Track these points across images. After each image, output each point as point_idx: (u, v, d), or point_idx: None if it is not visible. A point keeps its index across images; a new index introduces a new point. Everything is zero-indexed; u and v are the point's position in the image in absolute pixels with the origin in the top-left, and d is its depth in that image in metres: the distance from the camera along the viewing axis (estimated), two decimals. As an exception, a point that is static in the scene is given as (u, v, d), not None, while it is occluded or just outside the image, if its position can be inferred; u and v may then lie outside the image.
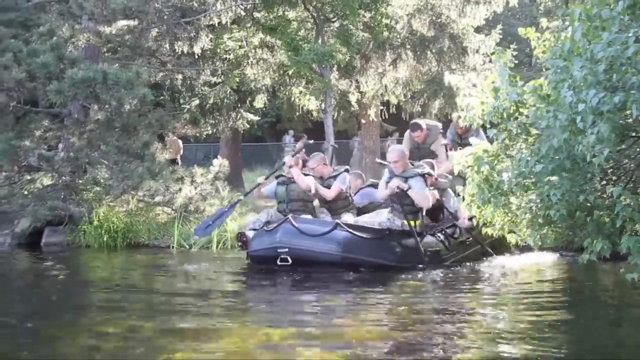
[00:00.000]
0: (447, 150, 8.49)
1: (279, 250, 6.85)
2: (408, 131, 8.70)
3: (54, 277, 7.86)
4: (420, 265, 6.96)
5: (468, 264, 7.32)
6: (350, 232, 6.93)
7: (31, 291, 6.85)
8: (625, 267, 4.57)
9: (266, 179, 8.35)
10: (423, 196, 7.08)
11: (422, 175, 7.22)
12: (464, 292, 6.21)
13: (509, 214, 5.64)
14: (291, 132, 20.78)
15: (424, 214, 7.30)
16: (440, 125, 8.87)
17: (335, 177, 7.93)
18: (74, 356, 4.22)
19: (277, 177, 8.09)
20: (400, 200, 7.09)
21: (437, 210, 7.75)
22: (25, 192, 10.24)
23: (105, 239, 9.72)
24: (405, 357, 4.03)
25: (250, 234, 7.52)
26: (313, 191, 7.73)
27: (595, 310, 5.37)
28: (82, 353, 4.27)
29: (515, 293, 6.09)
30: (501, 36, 14.91)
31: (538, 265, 7.37)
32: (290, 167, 7.83)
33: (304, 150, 8.36)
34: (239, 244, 7.84)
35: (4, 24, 9.57)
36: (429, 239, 7.37)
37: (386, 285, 6.31)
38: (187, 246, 9.43)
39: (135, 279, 7.31)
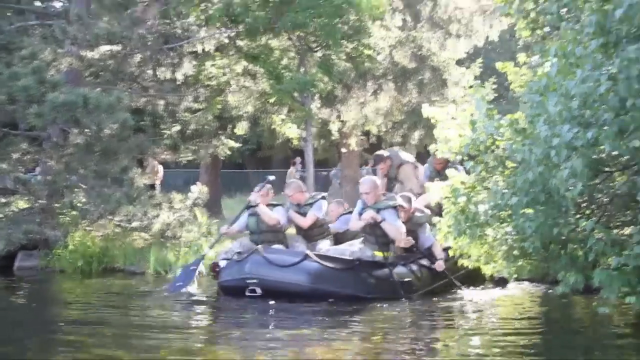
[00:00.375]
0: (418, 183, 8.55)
1: (247, 281, 6.80)
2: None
3: (25, 302, 7.75)
4: (392, 297, 6.89)
5: (440, 296, 7.25)
6: (320, 263, 6.87)
7: (1, 315, 6.73)
8: (597, 301, 4.61)
9: (213, 244, 8.29)
10: (395, 228, 7.12)
11: (394, 208, 7.25)
12: (435, 323, 6.20)
13: (485, 246, 5.70)
14: (298, 159, 20.07)
15: (395, 245, 7.31)
16: (408, 156, 8.91)
17: (311, 204, 7.90)
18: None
19: (247, 208, 8.01)
20: (373, 231, 7.11)
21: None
22: (0, 215, 10.10)
23: (80, 264, 9.58)
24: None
25: (223, 263, 7.45)
26: (282, 223, 7.71)
27: (567, 343, 5.39)
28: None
29: (487, 324, 6.09)
30: (481, 69, 15.18)
31: (512, 297, 7.38)
32: (255, 206, 7.77)
33: (270, 187, 8.15)
34: (212, 273, 7.76)
35: (-15, 47, 9.54)
36: (400, 269, 7.28)
37: (355, 317, 6.24)
38: (163, 272, 9.34)
39: (109, 305, 7.21)
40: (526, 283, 7.77)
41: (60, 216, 10.28)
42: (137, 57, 12.11)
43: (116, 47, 10.81)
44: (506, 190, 4.80)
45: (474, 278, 7.56)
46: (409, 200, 7.64)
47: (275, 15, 11.98)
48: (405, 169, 8.69)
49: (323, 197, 8.10)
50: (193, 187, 11.39)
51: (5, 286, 8.62)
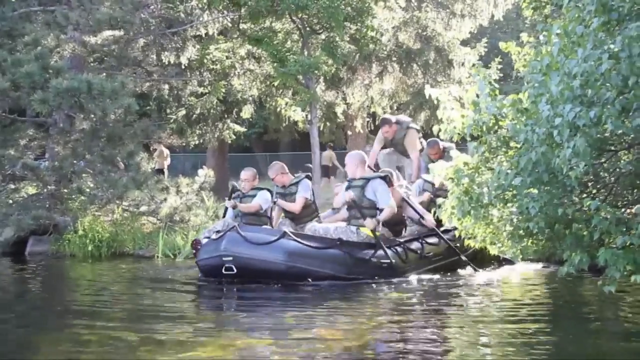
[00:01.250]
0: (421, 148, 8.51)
1: (223, 259, 6.60)
2: (380, 130, 8.69)
3: (37, 286, 7.84)
4: (375, 278, 6.74)
5: (429, 277, 7.09)
6: (298, 241, 6.66)
7: (13, 300, 6.81)
8: (602, 280, 4.61)
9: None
10: (382, 197, 6.90)
11: (383, 177, 7.04)
12: (425, 306, 6.07)
13: (490, 226, 5.69)
14: (330, 144, 19.58)
15: (380, 225, 7.04)
16: (411, 121, 8.89)
17: (296, 184, 7.74)
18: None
19: (233, 192, 7.90)
20: (356, 205, 6.91)
21: (399, 225, 7.62)
22: (10, 201, 10.20)
23: (89, 249, 9.69)
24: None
25: (204, 241, 7.27)
26: (264, 207, 7.57)
27: (573, 322, 5.41)
28: (62, 361, 4.28)
29: (490, 306, 6.08)
30: (487, 49, 15.09)
31: (517, 278, 7.38)
32: (234, 207, 7.68)
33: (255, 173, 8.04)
34: (194, 251, 7.54)
35: (-12, 34, 9.56)
36: (385, 251, 6.99)
37: (338, 299, 6.19)
38: (172, 255, 9.41)
39: (118, 288, 7.29)
40: (532, 263, 7.77)
41: (69, 201, 10.36)
42: (141, 42, 12.13)
43: (119, 32, 10.82)
44: (510, 171, 4.78)
45: (480, 259, 7.56)
46: (391, 176, 7.38)
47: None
48: (411, 133, 8.61)
49: (307, 177, 7.92)
50: (200, 171, 11.44)
51: (18, 271, 8.72)
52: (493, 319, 5.46)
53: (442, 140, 7.33)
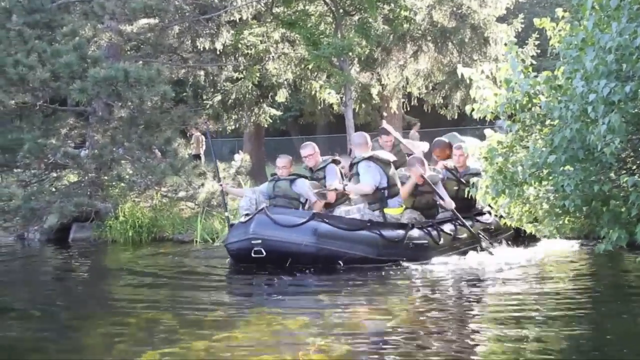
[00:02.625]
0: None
1: (252, 242, 6.53)
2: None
3: (81, 271, 8.06)
4: (404, 259, 6.69)
5: (464, 257, 7.01)
6: (328, 223, 6.61)
7: (59, 284, 7.03)
8: (641, 256, 4.56)
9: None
10: (362, 186, 6.90)
11: (368, 158, 6.95)
12: (464, 285, 6.05)
13: (527, 205, 5.65)
14: (417, 125, 19.33)
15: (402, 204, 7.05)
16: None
17: (322, 168, 7.67)
18: (96, 344, 4.37)
19: (271, 175, 7.93)
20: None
21: (431, 209, 7.55)
22: (53, 189, 10.47)
23: (130, 234, 9.91)
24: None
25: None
26: (313, 200, 7.40)
27: (613, 299, 5.36)
28: (105, 341, 4.42)
29: (528, 284, 6.06)
30: (524, 25, 14.79)
31: (555, 256, 7.30)
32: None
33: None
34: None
35: (29, 26, 9.75)
36: (416, 232, 6.97)
37: (371, 281, 6.18)
38: (210, 240, 9.56)
39: (158, 272, 7.43)
40: (569, 241, 7.68)
41: (109, 188, 10.58)
42: (176, 29, 12.25)
43: (154, 20, 10.93)
44: (544, 149, 4.73)
45: (516, 238, 7.50)
46: (422, 163, 7.34)
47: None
48: (414, 134, 8.48)
49: (334, 161, 7.86)
50: (236, 156, 11.53)
51: (62, 257, 8.98)
52: (532, 299, 5.43)
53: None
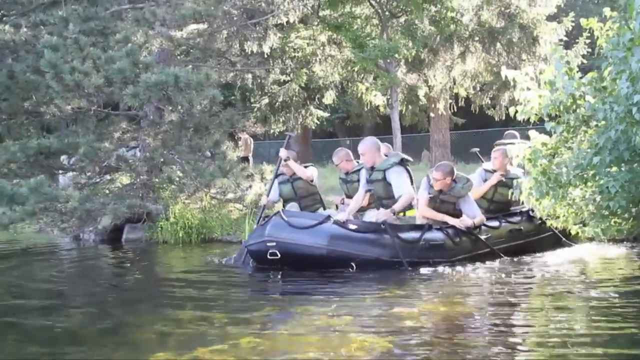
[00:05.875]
0: None
1: (267, 244, 6.60)
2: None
3: (134, 270, 8.31)
4: (423, 261, 6.56)
5: (481, 262, 6.80)
6: (340, 225, 6.60)
7: (113, 283, 7.28)
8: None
9: (259, 219, 7.86)
10: (401, 187, 6.75)
11: (399, 163, 6.87)
12: (496, 287, 5.89)
13: (573, 206, 5.61)
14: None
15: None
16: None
17: (356, 171, 7.60)
18: (149, 339, 4.53)
19: (276, 177, 8.01)
20: (385, 200, 6.86)
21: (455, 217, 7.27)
22: (106, 191, 10.82)
23: (181, 235, 10.18)
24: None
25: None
26: (316, 181, 7.72)
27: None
28: (157, 337, 4.58)
29: (573, 287, 5.98)
30: (574, 23, 14.54)
31: (602, 257, 7.14)
32: (286, 160, 7.72)
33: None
34: None
35: (84, 33, 10.09)
36: (434, 233, 6.84)
37: (391, 282, 6.15)
38: (258, 241, 9.70)
39: (208, 272, 7.60)
40: (617, 243, 7.55)
41: (160, 190, 10.87)
42: (224, 33, 12.49)
43: (203, 26, 11.19)
44: (589, 150, 4.71)
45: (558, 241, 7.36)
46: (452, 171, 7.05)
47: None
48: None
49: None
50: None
51: (116, 257, 9.28)
52: (575, 300, 5.37)
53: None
